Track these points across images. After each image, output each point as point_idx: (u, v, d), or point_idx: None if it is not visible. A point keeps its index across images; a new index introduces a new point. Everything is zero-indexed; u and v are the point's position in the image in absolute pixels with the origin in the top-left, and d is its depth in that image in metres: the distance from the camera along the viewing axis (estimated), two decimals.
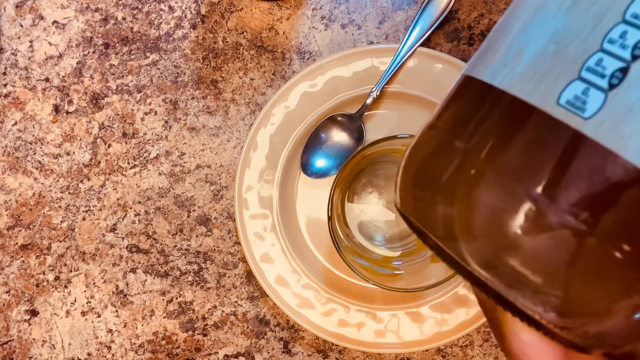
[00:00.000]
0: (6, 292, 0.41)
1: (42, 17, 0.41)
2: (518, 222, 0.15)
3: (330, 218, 0.32)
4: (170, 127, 0.41)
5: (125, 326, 0.41)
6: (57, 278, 0.41)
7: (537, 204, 0.15)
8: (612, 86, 0.14)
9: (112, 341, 0.41)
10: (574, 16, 0.15)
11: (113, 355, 0.41)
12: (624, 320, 0.15)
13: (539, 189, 0.15)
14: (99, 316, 0.41)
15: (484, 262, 0.16)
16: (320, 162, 0.38)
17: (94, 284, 0.41)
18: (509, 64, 0.17)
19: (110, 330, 0.41)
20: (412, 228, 0.19)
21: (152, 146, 0.41)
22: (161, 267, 0.41)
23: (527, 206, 0.15)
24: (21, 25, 0.41)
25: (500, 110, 0.17)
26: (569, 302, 0.15)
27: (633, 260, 0.14)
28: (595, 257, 0.14)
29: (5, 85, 0.41)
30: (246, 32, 0.40)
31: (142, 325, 0.41)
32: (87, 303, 0.41)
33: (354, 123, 0.38)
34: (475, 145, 0.17)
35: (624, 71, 0.14)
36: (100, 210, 0.41)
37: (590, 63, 0.15)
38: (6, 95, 0.41)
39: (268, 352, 0.41)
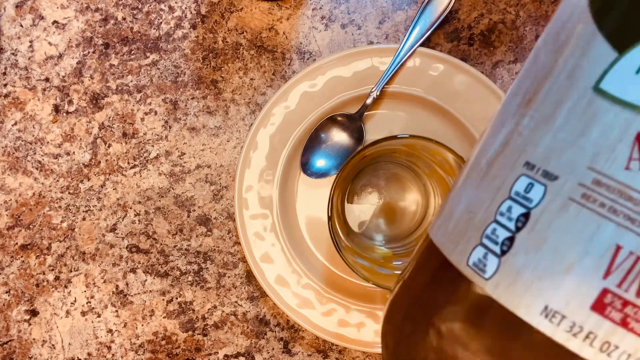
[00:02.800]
0: (6, 292, 0.41)
1: (42, 17, 0.41)
2: None
3: (330, 218, 0.32)
4: (170, 127, 0.41)
5: (125, 326, 0.41)
6: (57, 278, 0.41)
7: None
8: (503, 252, 0.17)
9: (112, 341, 0.41)
10: (481, 190, 0.19)
11: (113, 355, 0.41)
12: None
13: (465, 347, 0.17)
14: (99, 316, 0.41)
15: None
16: (320, 162, 0.38)
17: (94, 284, 0.41)
18: (443, 224, 0.20)
19: (110, 330, 0.41)
20: None
21: (152, 146, 0.41)
22: (161, 267, 0.41)
23: None
24: (21, 25, 0.41)
25: (434, 266, 0.20)
26: None
27: None
28: None
29: (5, 85, 0.41)
30: (246, 32, 0.40)
31: (142, 325, 0.41)
32: (87, 303, 0.41)
33: (354, 123, 0.38)
34: (424, 299, 0.19)
35: (511, 240, 0.17)
36: (100, 210, 0.41)
37: (487, 231, 0.17)
38: (6, 95, 0.41)
39: (268, 352, 0.41)
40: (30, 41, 0.41)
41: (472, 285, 0.17)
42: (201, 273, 0.41)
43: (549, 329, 0.15)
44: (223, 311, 0.41)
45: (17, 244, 0.41)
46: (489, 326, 0.17)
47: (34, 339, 0.41)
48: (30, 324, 0.41)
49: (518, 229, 0.16)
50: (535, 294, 0.16)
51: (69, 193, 0.41)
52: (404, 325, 0.20)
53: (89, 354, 0.41)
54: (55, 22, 0.41)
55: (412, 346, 0.19)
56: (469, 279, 0.17)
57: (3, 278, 0.41)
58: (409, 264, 0.22)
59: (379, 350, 0.38)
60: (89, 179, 0.41)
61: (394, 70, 0.37)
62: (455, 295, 0.18)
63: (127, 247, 0.41)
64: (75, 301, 0.41)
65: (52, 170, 0.41)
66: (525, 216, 0.16)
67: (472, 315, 0.17)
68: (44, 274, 0.41)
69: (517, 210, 0.17)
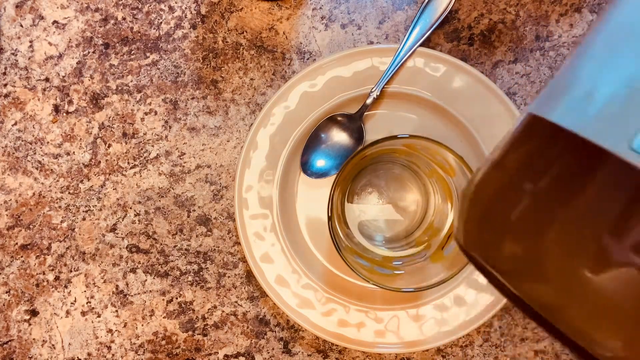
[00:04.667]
0: (6, 292, 0.41)
1: (42, 17, 0.41)
2: (587, 266, 0.15)
3: (330, 218, 0.32)
4: (170, 127, 0.41)
5: (125, 326, 0.41)
6: (57, 278, 0.41)
7: (608, 249, 0.14)
8: None
9: (112, 341, 0.41)
10: None
11: (113, 355, 0.41)
12: None
13: (614, 234, 0.14)
14: (99, 316, 0.41)
15: (547, 303, 0.16)
16: (320, 162, 0.38)
17: (94, 284, 0.41)
18: (580, 105, 0.17)
19: (110, 330, 0.41)
20: (474, 263, 0.19)
21: (152, 146, 0.41)
22: (161, 267, 0.41)
23: (597, 251, 0.15)
24: (21, 25, 0.41)
25: (570, 151, 0.16)
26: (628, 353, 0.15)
27: None
28: None
29: (5, 85, 0.41)
30: (246, 32, 0.40)
31: (142, 325, 0.41)
32: (87, 303, 0.41)
33: (354, 123, 0.38)
34: (545, 187, 0.16)
35: None
36: (100, 210, 0.41)
37: None
38: (6, 95, 0.41)
39: (268, 352, 0.41)
40: (30, 41, 0.41)
41: (634, 171, 0.14)
42: (201, 273, 0.41)
43: None
44: (223, 311, 0.41)
45: (17, 244, 0.41)
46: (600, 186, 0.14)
47: (34, 339, 0.41)
48: (30, 324, 0.41)
49: None
50: None
51: (69, 193, 0.41)
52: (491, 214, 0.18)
53: (89, 354, 0.41)
54: (55, 22, 0.41)
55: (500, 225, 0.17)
56: (633, 165, 0.14)
57: (3, 278, 0.41)
58: (496, 153, 0.19)
59: (379, 350, 0.38)
60: (89, 179, 0.41)
61: (394, 70, 0.37)
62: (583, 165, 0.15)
63: (127, 247, 0.41)
64: (75, 301, 0.41)
65: (52, 170, 0.41)
66: None
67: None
68: (44, 274, 0.41)
69: None
